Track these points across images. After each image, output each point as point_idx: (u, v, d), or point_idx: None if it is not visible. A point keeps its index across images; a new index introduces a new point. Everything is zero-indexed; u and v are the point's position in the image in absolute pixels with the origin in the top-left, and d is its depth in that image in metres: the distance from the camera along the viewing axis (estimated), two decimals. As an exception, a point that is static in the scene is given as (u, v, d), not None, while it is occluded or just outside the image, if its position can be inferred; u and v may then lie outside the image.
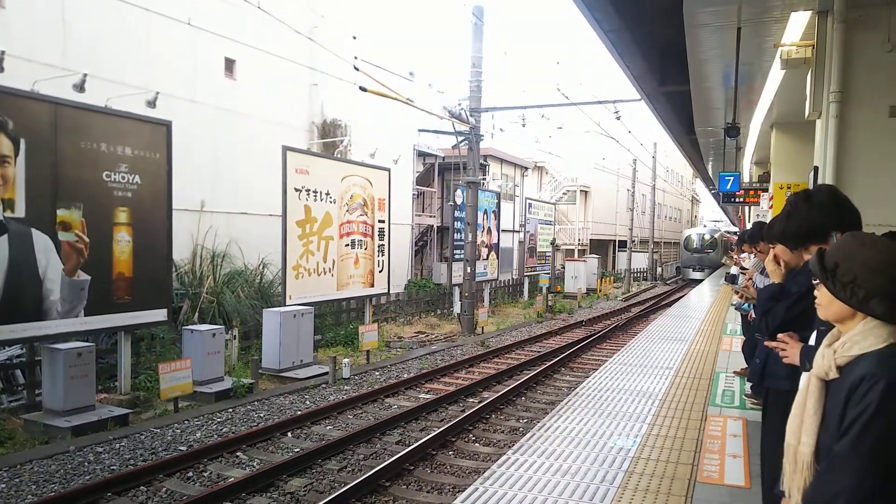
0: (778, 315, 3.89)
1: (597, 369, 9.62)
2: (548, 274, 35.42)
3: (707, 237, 52.09)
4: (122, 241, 11.63)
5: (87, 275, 11.01)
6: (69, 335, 11.09)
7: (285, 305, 15.24)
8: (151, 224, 12.18)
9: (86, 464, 9.08)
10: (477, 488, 5.07)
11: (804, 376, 2.51)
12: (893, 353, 2.22)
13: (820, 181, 9.12)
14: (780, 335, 3.24)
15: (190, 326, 13.53)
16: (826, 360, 2.36)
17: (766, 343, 3.71)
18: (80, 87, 12.34)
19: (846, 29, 8.86)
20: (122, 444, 9.91)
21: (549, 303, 29.53)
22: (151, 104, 13.86)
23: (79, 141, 10.91)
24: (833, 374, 2.32)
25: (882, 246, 2.34)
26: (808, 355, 2.58)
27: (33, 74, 12.55)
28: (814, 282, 2.53)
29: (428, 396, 13.18)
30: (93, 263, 11.09)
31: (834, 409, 2.28)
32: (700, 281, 41.90)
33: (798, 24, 10.15)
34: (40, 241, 10.36)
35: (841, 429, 2.20)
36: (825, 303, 2.45)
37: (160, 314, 12.45)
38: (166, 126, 12.47)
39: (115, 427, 10.67)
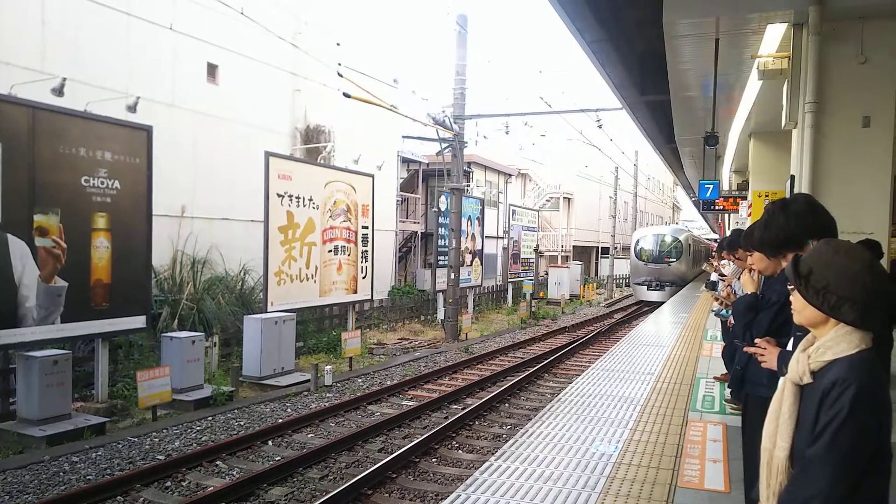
0: (763, 325, 3.97)
1: (580, 375, 9.62)
2: (531, 280, 35.65)
3: (668, 240, 35.71)
4: (101, 247, 11.48)
5: (65, 281, 10.84)
6: (45, 342, 10.91)
7: (267, 312, 15.13)
8: (131, 229, 12.04)
9: (61, 474, 8.94)
10: (460, 495, 5.06)
11: (781, 381, 2.56)
12: (865, 359, 2.27)
13: (796, 190, 9.34)
14: (757, 340, 3.32)
15: (169, 333, 13.40)
16: (800, 365, 2.40)
17: (745, 349, 3.79)
18: (59, 91, 12.22)
19: (821, 41, 9.13)
20: (99, 453, 9.76)
21: (533, 309, 29.61)
22: (132, 109, 13.75)
23: (57, 145, 10.76)
24: (807, 379, 2.37)
25: (855, 254, 2.40)
26: (785, 360, 2.64)
27: (11, 78, 12.43)
28: (788, 287, 2.59)
29: (411, 403, 13.11)
30: (70, 269, 10.93)
31: (808, 413, 2.33)
32: (658, 304, 26.76)
33: (774, 36, 10.41)
34: (16, 246, 10.19)
35: (814, 433, 2.24)
36: (799, 308, 2.50)
37: (139, 321, 12.30)
38: (147, 131, 12.34)
39: (92, 436, 10.51)
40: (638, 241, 37.06)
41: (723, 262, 9.78)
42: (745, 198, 19.05)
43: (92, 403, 11.82)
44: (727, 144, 20.35)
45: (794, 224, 3.56)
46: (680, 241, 35.59)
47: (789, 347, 3.00)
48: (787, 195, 8.01)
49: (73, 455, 9.58)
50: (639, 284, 36.33)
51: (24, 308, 10.32)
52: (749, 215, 16.67)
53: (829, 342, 2.33)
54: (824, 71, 9.14)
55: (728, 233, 24.04)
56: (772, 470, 2.43)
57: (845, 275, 2.33)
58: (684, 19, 10.27)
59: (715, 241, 45.86)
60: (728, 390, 7.90)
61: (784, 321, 3.69)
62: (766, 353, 3.21)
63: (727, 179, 25.89)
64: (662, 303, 26.76)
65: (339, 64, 16.21)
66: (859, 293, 2.29)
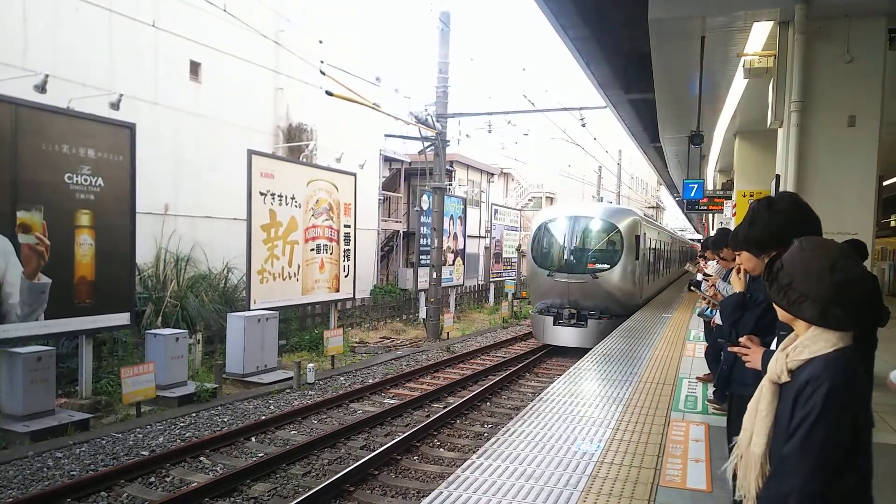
0: (748, 324, 3.97)
1: (561, 374, 9.67)
2: (513, 280, 35.52)
3: (594, 228, 19.43)
4: (85, 244, 11.49)
5: (48, 278, 10.85)
6: (29, 339, 10.92)
7: (250, 310, 15.14)
8: (114, 227, 12.04)
9: (45, 469, 8.96)
10: (441, 492, 5.06)
11: (762, 380, 2.57)
12: (840, 357, 2.27)
13: (781, 189, 9.28)
14: (742, 339, 3.29)
15: (153, 330, 13.40)
16: (779, 364, 2.41)
17: (729, 348, 3.76)
18: (41, 88, 12.17)
19: (807, 40, 9.09)
20: (83, 448, 9.79)
21: (515, 308, 29.66)
22: (115, 106, 13.70)
23: (40, 142, 10.76)
24: (785, 378, 2.38)
25: (823, 251, 2.40)
26: (769, 360, 2.61)
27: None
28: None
29: (393, 401, 13.17)
30: (54, 266, 10.94)
31: (784, 411, 2.35)
32: (578, 353, 14.36)
33: (760, 34, 10.37)
34: (-1, 243, 10.20)
35: (789, 431, 2.27)
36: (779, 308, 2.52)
37: (123, 318, 12.31)
38: (130, 128, 12.34)
39: (76, 432, 10.53)
40: (540, 232, 19.96)
41: (710, 262, 9.81)
42: (729, 197, 19.09)
43: (76, 399, 11.82)
44: (712, 143, 20.42)
45: (779, 222, 3.53)
46: (619, 232, 18.70)
47: (773, 347, 2.97)
48: (773, 195, 8.04)
49: (57, 451, 9.60)
50: (540, 313, 19.35)
51: (8, 304, 10.32)
52: (734, 215, 16.68)
53: (806, 341, 2.35)
54: (810, 70, 9.21)
55: (712, 232, 24.10)
56: (749, 467, 2.46)
57: (807, 272, 2.35)
58: (670, 17, 10.29)
59: (698, 241, 44.20)
60: (711, 390, 7.99)
61: (770, 320, 3.62)
62: (751, 353, 3.19)
63: (712, 179, 25.89)
64: (586, 350, 12.82)
65: (322, 62, 16.19)
66: (819, 291, 2.31)
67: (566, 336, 18.65)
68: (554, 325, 18.81)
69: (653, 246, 22.77)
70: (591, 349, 12.06)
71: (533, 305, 20.66)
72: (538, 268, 19.29)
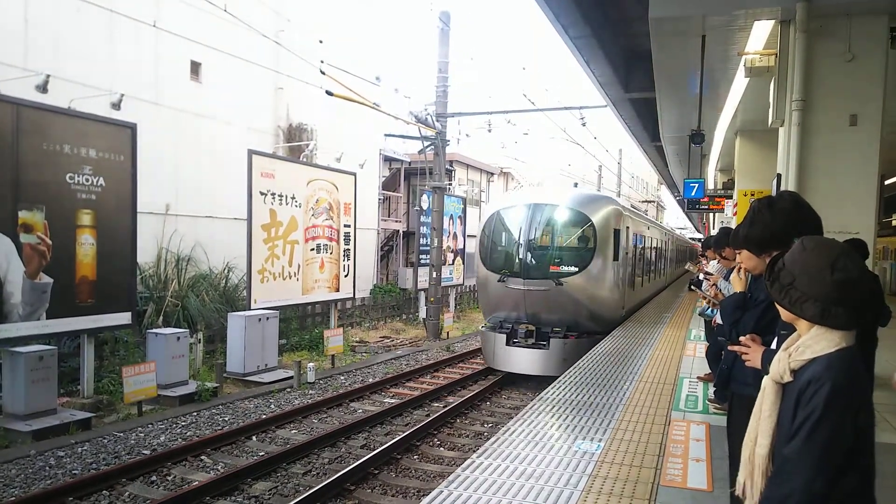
0: (748, 324, 3.93)
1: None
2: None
3: (560, 220, 15.03)
4: (86, 244, 11.50)
5: (50, 277, 10.86)
6: (30, 338, 10.93)
7: (250, 309, 15.16)
8: (116, 227, 12.05)
9: (47, 468, 8.98)
10: (441, 491, 5.07)
11: (764, 380, 2.56)
12: (843, 357, 2.28)
13: (782, 188, 9.27)
14: (742, 338, 3.27)
15: (154, 330, 13.42)
16: (781, 364, 2.42)
17: (730, 347, 3.73)
18: (42, 88, 12.18)
19: (808, 38, 9.07)
20: (85, 448, 9.81)
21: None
22: (116, 106, 13.70)
23: (41, 142, 10.77)
24: (787, 378, 2.39)
25: (824, 250, 2.40)
26: (769, 359, 2.63)
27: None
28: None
29: (393, 401, 13.19)
30: (55, 266, 10.95)
31: (787, 411, 2.35)
32: (534, 380, 14.82)
33: (761, 33, 10.36)
34: (1, 243, 10.21)
35: (790, 431, 2.27)
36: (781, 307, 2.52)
37: (124, 317, 12.32)
38: (131, 128, 12.35)
39: (78, 431, 10.55)
40: (491, 224, 15.85)
41: (713, 261, 9.79)
42: (730, 197, 19.04)
43: (77, 399, 11.84)
44: (713, 143, 20.38)
45: (779, 222, 3.54)
46: (593, 225, 14.70)
47: (773, 346, 2.95)
48: (774, 194, 8.03)
49: (59, 450, 9.62)
50: (493, 330, 15.32)
51: (10, 304, 10.33)
52: (735, 214, 16.65)
53: (809, 340, 2.35)
54: (811, 68, 9.20)
55: (713, 232, 24.07)
56: (753, 467, 2.47)
57: (808, 272, 2.36)
58: (671, 15, 10.30)
59: (699, 240, 43.64)
60: (712, 390, 7.99)
61: (771, 320, 3.64)
62: (751, 352, 3.16)
63: (712, 178, 25.81)
64: (550, 379, 10.30)
65: (322, 61, 16.19)
66: (820, 290, 2.31)
67: (521, 360, 14.34)
68: (506, 345, 14.42)
69: (641, 243, 18.97)
70: (554, 378, 9.45)
71: (485, 319, 16.06)
72: (487, 271, 14.94)
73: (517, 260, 14.54)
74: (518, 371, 14.60)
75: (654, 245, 23.23)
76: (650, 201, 69.01)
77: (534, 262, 14.48)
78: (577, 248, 14.78)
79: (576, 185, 17.91)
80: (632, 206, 21.40)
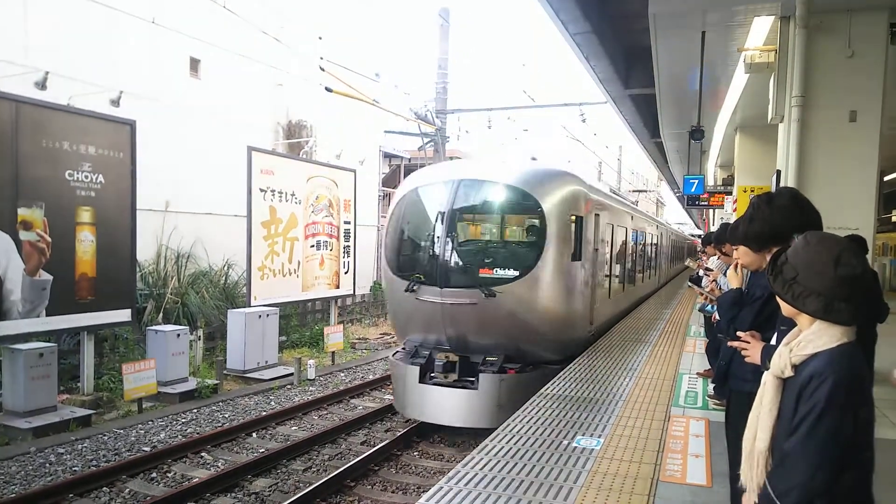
0: (745, 321, 3.90)
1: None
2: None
3: (496, 202, 10.61)
4: (86, 241, 11.49)
5: (49, 274, 10.86)
6: (30, 335, 10.94)
7: (250, 306, 15.16)
8: (115, 224, 12.04)
9: (47, 465, 8.99)
10: (441, 487, 5.05)
11: (764, 375, 2.57)
12: (844, 353, 2.29)
13: (782, 184, 9.27)
14: (742, 334, 3.26)
15: (154, 327, 13.42)
16: (782, 359, 2.42)
17: (729, 343, 3.71)
18: (41, 85, 12.19)
19: (808, 35, 9.08)
20: (85, 445, 9.81)
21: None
22: (115, 103, 13.74)
23: (40, 139, 10.76)
24: (788, 373, 2.39)
25: (827, 246, 2.40)
26: (769, 355, 2.64)
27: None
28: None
29: (393, 397, 13.17)
30: (55, 263, 10.94)
31: (788, 406, 2.36)
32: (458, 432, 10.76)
33: (761, 29, 10.35)
34: (1, 240, 10.21)
35: (792, 426, 2.28)
36: (782, 301, 2.52)
37: (124, 314, 12.32)
38: (130, 125, 12.33)
39: (78, 428, 10.55)
40: (400, 210, 11.11)
41: (712, 257, 9.77)
42: (730, 193, 19.04)
43: (77, 396, 11.84)
44: (713, 139, 20.39)
45: (779, 218, 3.53)
46: (541, 211, 10.06)
47: (773, 342, 2.95)
48: (773, 190, 8.03)
49: (59, 447, 9.63)
50: (403, 360, 10.78)
51: (9, 301, 10.33)
52: (734, 210, 16.61)
53: (810, 336, 2.36)
54: (811, 65, 9.21)
55: (713, 229, 24.02)
56: (753, 462, 2.47)
57: (812, 267, 2.36)
58: (671, 11, 10.32)
59: (698, 237, 43.49)
60: (711, 386, 7.98)
61: (768, 316, 3.66)
62: (750, 348, 3.15)
63: (712, 174, 25.82)
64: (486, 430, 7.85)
65: (321, 58, 16.21)
66: (824, 285, 2.32)
67: (438, 405, 10.10)
68: (419, 382, 10.16)
69: (619, 237, 14.65)
70: (486, 431, 7.20)
71: (399, 343, 11.71)
72: (393, 276, 10.57)
73: (432, 260, 10.13)
74: (435, 420, 10.16)
75: (643, 240, 19.37)
76: (642, 191, 59.35)
77: (456, 263, 10.14)
78: (520, 243, 10.94)
79: (534, 159, 12.58)
80: (612, 192, 16.81)
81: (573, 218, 10.41)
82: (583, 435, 6.39)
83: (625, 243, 15.66)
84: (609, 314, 13.58)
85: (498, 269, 10.00)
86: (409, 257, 10.87)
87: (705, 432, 6.58)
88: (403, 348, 11.13)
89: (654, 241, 22.45)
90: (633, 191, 51.08)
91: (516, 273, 9.84)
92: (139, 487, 8.40)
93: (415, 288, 10.05)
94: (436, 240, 10.14)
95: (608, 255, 13.19)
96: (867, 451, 2.29)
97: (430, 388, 10.06)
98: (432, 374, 10.15)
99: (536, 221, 10.20)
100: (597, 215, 11.64)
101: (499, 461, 5.60)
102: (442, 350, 10.29)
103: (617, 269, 14.65)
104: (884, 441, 5.79)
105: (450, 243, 10.04)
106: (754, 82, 11.83)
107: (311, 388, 13.79)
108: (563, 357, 10.38)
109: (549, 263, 9.88)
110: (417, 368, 10.17)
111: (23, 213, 10.51)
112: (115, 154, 12.04)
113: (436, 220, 10.31)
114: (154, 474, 8.85)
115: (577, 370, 9.34)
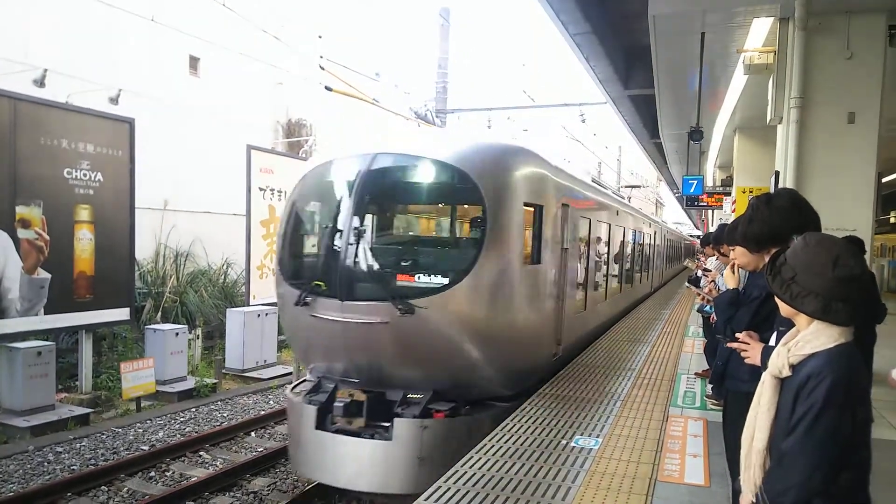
0: (742, 321, 3.90)
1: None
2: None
3: (420, 192, 8.14)
4: (84, 239, 11.48)
5: (48, 273, 10.85)
6: (28, 334, 10.93)
7: (249, 305, 15.14)
8: (114, 222, 12.03)
9: (45, 464, 8.98)
10: (440, 486, 5.05)
11: (762, 375, 2.57)
12: (842, 353, 2.29)
13: (781, 185, 9.27)
14: (740, 335, 3.26)
15: (153, 326, 13.43)
16: (780, 359, 2.42)
17: (727, 344, 3.71)
18: (40, 83, 12.17)
19: (807, 36, 9.09)
20: (83, 443, 9.81)
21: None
22: (114, 101, 13.71)
23: (39, 137, 10.75)
24: (786, 372, 2.39)
25: (826, 247, 2.41)
26: (768, 356, 2.63)
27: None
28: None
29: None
30: (53, 261, 10.93)
31: (785, 406, 2.36)
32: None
33: (761, 30, 10.37)
34: (-1, 238, 10.21)
35: (789, 426, 2.28)
36: (781, 302, 2.52)
37: (122, 313, 12.30)
38: (129, 123, 12.32)
39: (76, 427, 10.55)
40: (298, 197, 8.57)
41: (711, 258, 9.75)
42: (729, 193, 19.06)
43: (76, 394, 11.84)
44: (712, 140, 20.37)
45: (778, 219, 3.53)
46: (480, 194, 7.24)
47: (772, 342, 2.94)
48: (772, 191, 8.02)
49: (58, 445, 9.63)
50: (300, 397, 7.79)
51: (7, 300, 10.31)
52: (733, 211, 16.61)
53: (808, 336, 2.37)
54: (810, 66, 9.21)
55: (712, 229, 23.99)
56: (751, 461, 2.47)
57: (810, 267, 2.37)
58: (670, 12, 10.32)
59: (697, 237, 43.28)
60: (709, 386, 7.98)
61: (765, 317, 3.66)
62: (750, 349, 3.14)
63: (711, 175, 25.82)
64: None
65: (321, 57, 16.18)
66: (822, 286, 2.32)
67: (339, 461, 7.38)
68: (318, 428, 7.44)
69: (600, 235, 12.41)
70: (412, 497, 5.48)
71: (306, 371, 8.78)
72: (286, 286, 7.85)
73: (332, 263, 7.46)
74: (334, 483, 7.46)
75: (632, 239, 16.83)
76: (635, 186, 52.76)
77: (363, 266, 7.42)
78: (453, 240, 8.70)
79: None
80: (595, 183, 15.19)
81: (530, 208, 7.90)
82: (581, 435, 6.38)
83: (608, 243, 13.29)
84: (585, 330, 11.19)
85: (421, 276, 7.29)
86: (305, 258, 8.35)
87: (703, 432, 6.58)
88: (310, 379, 8.21)
89: (647, 240, 19.88)
90: (626, 186, 48.32)
91: (445, 280, 7.10)
92: (137, 486, 8.39)
93: (308, 300, 7.35)
94: (337, 234, 7.41)
95: (585, 257, 10.94)
96: (865, 451, 2.30)
97: (331, 437, 7.29)
98: (325, 423, 7.32)
99: (476, 210, 7.59)
100: (565, 206, 8.99)
101: (497, 460, 5.59)
102: (349, 384, 7.50)
103: (597, 273, 12.35)
104: (882, 441, 5.82)
105: (355, 239, 7.24)
106: (753, 83, 11.83)
107: (309, 388, 13.77)
108: (518, 391, 7.95)
109: (494, 267, 7.22)
110: (314, 410, 7.35)
111: (21, 211, 10.50)
112: (114, 152, 12.02)
113: (339, 208, 7.72)
114: (152, 473, 8.85)
115: (576, 370, 9.33)
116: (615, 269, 14.58)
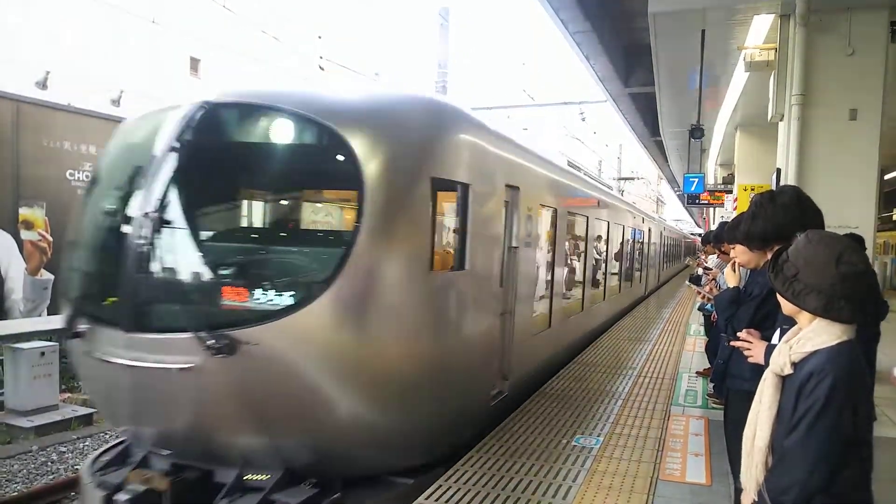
0: (743, 319, 3.90)
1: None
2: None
3: (271, 152, 5.08)
4: (87, 240, 11.48)
5: (51, 274, 10.86)
6: (32, 334, 10.93)
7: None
8: (116, 223, 12.02)
9: (49, 463, 8.98)
10: (441, 486, 5.08)
11: (764, 372, 2.57)
12: (843, 351, 2.30)
13: (782, 183, 9.26)
14: (742, 334, 3.26)
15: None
16: (782, 357, 2.43)
17: (730, 343, 3.70)
18: (42, 85, 12.19)
19: (808, 33, 9.07)
20: (87, 443, 9.80)
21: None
22: (116, 102, 13.72)
23: (41, 139, 10.77)
24: (788, 370, 2.40)
25: (829, 244, 2.41)
26: (771, 354, 2.63)
27: (-5, 71, 12.37)
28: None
29: None
30: (57, 262, 10.94)
31: (787, 403, 2.36)
32: None
33: (761, 27, 10.36)
34: (2, 239, 10.22)
35: (791, 423, 2.29)
36: (783, 299, 2.53)
37: (125, 314, 12.27)
38: (131, 124, 12.32)
39: (80, 426, 10.53)
40: (99, 165, 6.19)
41: (711, 256, 9.74)
42: (730, 191, 19.01)
43: (79, 395, 11.81)
44: (713, 137, 20.38)
45: (781, 216, 3.53)
46: (353, 161, 4.59)
47: (774, 340, 2.91)
48: (774, 188, 8.02)
49: (61, 445, 9.61)
50: (92, 473, 5.23)
51: (11, 300, 10.34)
52: (734, 209, 16.56)
53: (810, 333, 2.37)
54: (811, 63, 9.22)
55: (713, 227, 23.92)
56: (753, 459, 2.48)
57: (813, 264, 2.37)
58: (671, 10, 10.32)
59: (699, 235, 42.92)
60: (711, 385, 7.99)
61: (765, 315, 3.66)
62: (753, 348, 3.14)
63: (712, 173, 25.77)
64: None
65: (321, 57, 16.18)
66: (824, 283, 2.32)
67: None
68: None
69: (572, 229, 10.51)
70: None
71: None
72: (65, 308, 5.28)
73: (118, 273, 4.75)
74: None
75: (620, 237, 14.96)
76: (629, 178, 50.72)
77: (162, 277, 4.81)
78: (305, 234, 6.08)
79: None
80: (570, 165, 13.32)
81: (449, 188, 5.53)
82: (582, 433, 6.38)
83: (587, 240, 11.38)
84: (550, 352, 9.09)
85: (258, 290, 4.60)
86: (87, 267, 5.56)
87: (705, 431, 6.59)
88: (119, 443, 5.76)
89: (641, 238, 18.36)
90: (619, 178, 46.24)
91: (290, 299, 4.53)
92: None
93: (79, 331, 4.94)
94: (127, 227, 4.81)
95: (549, 259, 8.93)
96: (866, 449, 2.30)
97: None
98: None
99: (345, 186, 5.49)
100: (513, 189, 6.84)
101: (498, 459, 5.59)
102: (159, 458, 5.12)
103: (571, 278, 10.66)
104: (883, 439, 5.83)
105: (150, 232, 4.66)
106: (754, 81, 11.84)
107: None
108: (436, 456, 5.72)
109: (375, 274, 4.73)
110: (102, 496, 4.91)
111: (24, 212, 10.52)
112: (116, 153, 12.01)
113: (132, 186, 5.09)
114: (155, 473, 8.85)
115: (576, 370, 9.31)
116: (598, 272, 12.85)
